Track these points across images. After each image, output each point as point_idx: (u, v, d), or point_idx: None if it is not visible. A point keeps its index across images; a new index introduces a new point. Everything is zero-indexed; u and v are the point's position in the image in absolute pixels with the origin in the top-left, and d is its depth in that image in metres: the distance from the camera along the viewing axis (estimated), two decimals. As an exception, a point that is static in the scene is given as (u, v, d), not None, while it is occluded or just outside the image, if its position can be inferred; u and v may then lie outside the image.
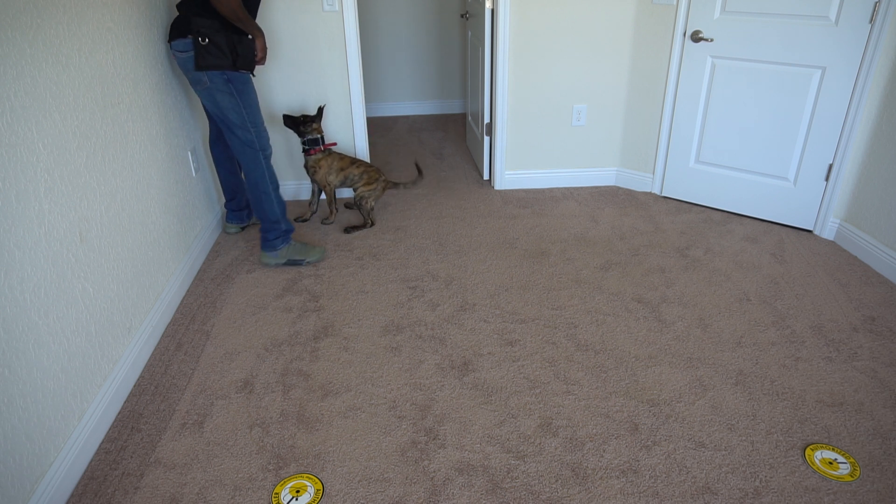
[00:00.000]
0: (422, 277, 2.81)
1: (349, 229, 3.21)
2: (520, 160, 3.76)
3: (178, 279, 2.64)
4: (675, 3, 3.19)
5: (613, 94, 3.59)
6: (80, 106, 1.95)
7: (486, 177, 3.94)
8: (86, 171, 1.97)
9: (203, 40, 2.45)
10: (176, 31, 2.51)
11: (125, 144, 2.27)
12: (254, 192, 2.74)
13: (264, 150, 2.71)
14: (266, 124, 3.45)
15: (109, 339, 2.06)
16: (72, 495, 1.73)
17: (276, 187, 2.78)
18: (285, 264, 2.85)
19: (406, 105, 5.52)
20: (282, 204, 2.80)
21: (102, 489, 1.75)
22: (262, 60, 2.71)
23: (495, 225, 3.33)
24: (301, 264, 2.86)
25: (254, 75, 2.70)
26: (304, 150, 3.17)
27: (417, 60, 5.37)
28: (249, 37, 2.58)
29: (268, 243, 2.81)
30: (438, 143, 4.76)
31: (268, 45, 3.25)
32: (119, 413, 2.04)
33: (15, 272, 1.58)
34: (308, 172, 3.24)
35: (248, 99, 2.62)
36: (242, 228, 3.22)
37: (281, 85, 3.38)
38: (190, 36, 2.46)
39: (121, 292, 2.16)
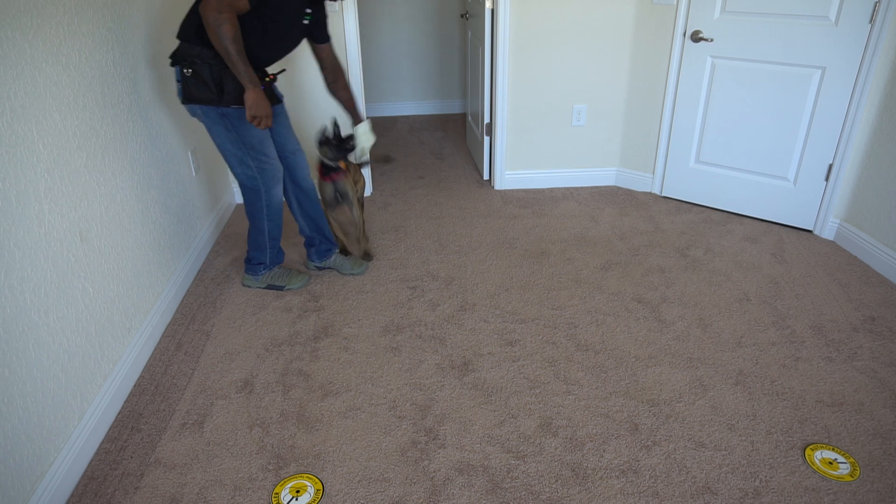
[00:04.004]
0: (422, 277, 2.81)
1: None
2: (520, 160, 3.76)
3: (178, 279, 2.64)
4: (675, 3, 3.19)
5: (613, 94, 3.59)
6: (80, 106, 1.95)
7: (486, 177, 3.94)
8: (86, 171, 1.97)
9: (187, 71, 2.19)
10: (172, 57, 2.26)
11: (125, 144, 2.27)
12: (250, 221, 2.59)
13: (268, 184, 2.45)
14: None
15: (109, 339, 2.06)
16: (72, 495, 1.73)
17: (276, 225, 2.57)
18: (266, 288, 2.74)
19: (406, 105, 5.52)
20: (275, 240, 2.63)
21: (102, 489, 1.75)
22: (257, 122, 2.25)
23: (495, 225, 3.33)
24: (282, 290, 2.73)
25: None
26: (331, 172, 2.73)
27: (417, 60, 5.37)
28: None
29: (250, 267, 2.71)
30: (438, 143, 4.76)
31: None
32: (119, 413, 2.04)
33: (15, 272, 1.58)
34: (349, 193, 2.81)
35: (247, 134, 2.33)
36: (320, 269, 2.88)
37: (281, 86, 3.38)
38: (178, 65, 2.23)
39: (121, 292, 2.16)
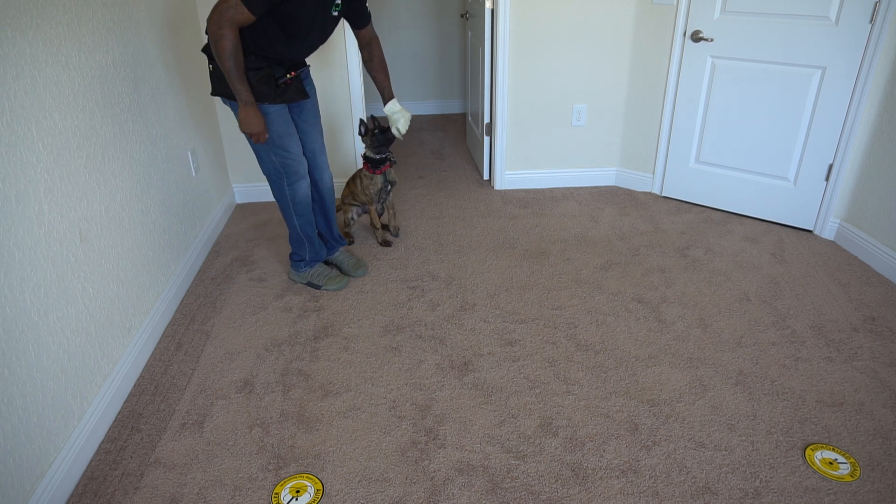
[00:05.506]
0: (422, 277, 2.81)
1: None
2: (520, 160, 3.76)
3: (178, 279, 2.64)
4: (675, 3, 3.19)
5: (613, 94, 3.59)
6: (80, 106, 1.95)
7: (486, 177, 3.94)
8: (86, 171, 1.97)
9: (210, 66, 2.28)
10: (203, 51, 2.33)
11: (125, 144, 2.27)
12: (282, 216, 2.63)
13: (290, 179, 2.47)
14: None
15: (109, 339, 2.06)
16: (72, 495, 1.73)
17: (306, 220, 2.60)
18: (306, 284, 2.76)
19: (406, 105, 5.52)
20: (309, 236, 2.65)
21: (102, 489, 1.75)
22: (254, 138, 2.28)
23: (495, 225, 3.33)
24: (319, 289, 2.73)
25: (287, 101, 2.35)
26: (380, 163, 2.87)
27: (417, 60, 5.37)
28: (261, 69, 2.22)
29: (292, 263, 2.74)
30: (438, 143, 4.76)
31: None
32: (119, 413, 2.04)
33: (15, 272, 1.58)
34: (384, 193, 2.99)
35: (269, 129, 2.33)
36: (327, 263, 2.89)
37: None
38: None
39: (121, 292, 2.16)
